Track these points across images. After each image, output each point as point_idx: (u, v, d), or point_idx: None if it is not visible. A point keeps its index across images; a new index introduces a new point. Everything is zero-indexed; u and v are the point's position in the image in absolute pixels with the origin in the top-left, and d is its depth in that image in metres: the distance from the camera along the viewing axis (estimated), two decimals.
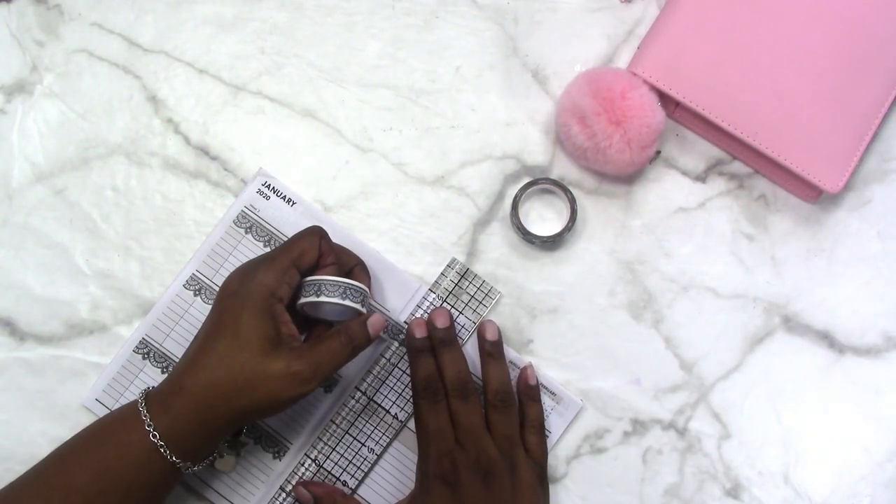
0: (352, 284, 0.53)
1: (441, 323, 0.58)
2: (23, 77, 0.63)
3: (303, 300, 0.54)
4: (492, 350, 0.59)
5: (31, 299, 0.61)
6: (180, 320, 0.60)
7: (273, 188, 0.62)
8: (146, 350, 0.60)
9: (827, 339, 0.62)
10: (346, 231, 0.62)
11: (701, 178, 0.63)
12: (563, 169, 0.63)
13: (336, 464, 0.59)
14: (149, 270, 0.61)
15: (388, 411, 0.60)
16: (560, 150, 0.63)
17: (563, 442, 0.60)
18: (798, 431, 0.61)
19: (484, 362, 0.59)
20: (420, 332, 0.58)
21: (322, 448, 0.59)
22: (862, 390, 0.61)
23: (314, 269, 0.55)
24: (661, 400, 0.61)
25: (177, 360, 0.59)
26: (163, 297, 0.61)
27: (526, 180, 0.62)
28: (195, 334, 0.53)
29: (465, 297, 0.61)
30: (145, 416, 0.50)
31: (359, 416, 0.60)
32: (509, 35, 0.64)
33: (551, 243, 0.61)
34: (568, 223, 0.61)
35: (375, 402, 0.60)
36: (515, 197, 0.61)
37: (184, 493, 0.59)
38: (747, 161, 0.63)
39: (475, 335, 0.60)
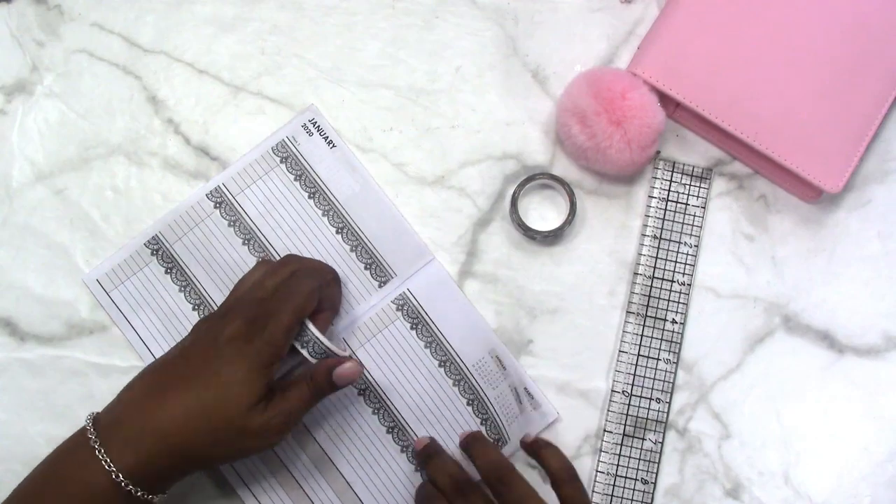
0: (332, 350, 0.54)
1: (420, 444, 0.58)
2: (23, 77, 0.63)
3: (297, 345, 0.53)
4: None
5: (31, 299, 0.61)
6: (195, 227, 0.61)
7: (318, 126, 0.62)
8: (156, 247, 0.61)
9: (827, 339, 0.62)
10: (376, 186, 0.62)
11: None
12: (564, 169, 0.63)
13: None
14: None
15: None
16: (560, 151, 0.63)
17: (563, 442, 0.60)
18: (798, 431, 0.61)
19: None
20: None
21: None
22: (862, 390, 0.61)
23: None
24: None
25: (183, 265, 0.60)
26: (183, 202, 0.61)
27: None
28: (165, 357, 0.52)
29: (683, 188, 0.61)
30: (104, 458, 0.48)
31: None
32: (509, 35, 0.64)
33: (552, 238, 0.62)
34: (568, 216, 0.61)
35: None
36: (514, 193, 0.61)
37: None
38: (747, 161, 0.63)
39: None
